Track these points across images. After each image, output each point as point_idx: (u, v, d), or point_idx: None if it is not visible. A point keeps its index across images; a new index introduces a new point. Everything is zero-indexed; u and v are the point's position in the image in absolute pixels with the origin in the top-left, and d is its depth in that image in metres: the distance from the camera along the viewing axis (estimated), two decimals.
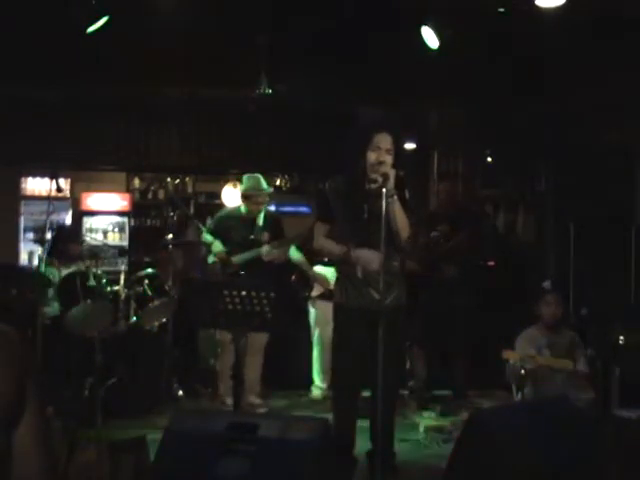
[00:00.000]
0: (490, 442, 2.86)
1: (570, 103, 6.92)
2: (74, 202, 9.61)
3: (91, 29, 5.46)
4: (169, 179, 10.01)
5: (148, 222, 10.00)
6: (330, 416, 4.19)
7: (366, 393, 4.44)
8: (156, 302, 5.92)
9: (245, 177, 5.94)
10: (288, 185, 9.82)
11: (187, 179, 10.06)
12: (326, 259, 6.28)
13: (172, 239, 6.26)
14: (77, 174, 9.45)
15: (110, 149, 8.37)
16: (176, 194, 9.63)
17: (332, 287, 6.23)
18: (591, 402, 4.88)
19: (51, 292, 5.75)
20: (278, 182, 9.66)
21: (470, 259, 6.43)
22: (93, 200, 9.63)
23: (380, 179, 3.98)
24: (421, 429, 5.28)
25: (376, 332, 3.74)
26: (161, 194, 10.08)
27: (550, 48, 5.91)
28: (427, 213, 6.84)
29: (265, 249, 5.71)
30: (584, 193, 7.04)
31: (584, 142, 7.06)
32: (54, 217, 8.38)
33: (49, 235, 6.01)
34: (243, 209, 5.95)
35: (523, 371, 4.59)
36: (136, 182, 10.06)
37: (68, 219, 9.45)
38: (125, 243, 9.58)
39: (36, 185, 9.43)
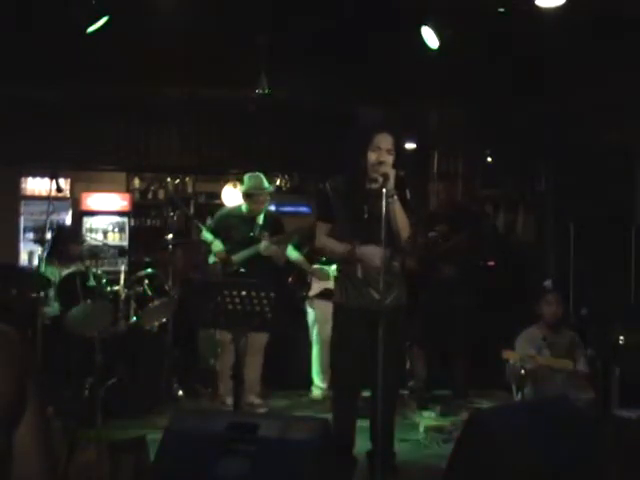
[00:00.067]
0: (490, 442, 2.86)
1: (570, 103, 6.92)
2: (74, 202, 9.60)
3: (91, 29, 5.45)
4: (169, 179, 10.01)
5: (148, 222, 10.00)
6: (330, 416, 4.19)
7: (366, 393, 4.44)
8: (156, 302, 5.92)
9: (247, 176, 5.96)
10: (288, 185, 9.82)
11: (187, 179, 10.06)
12: (324, 258, 6.29)
13: (172, 239, 6.26)
14: (77, 174, 9.45)
15: (110, 149, 8.37)
16: (176, 194, 9.63)
17: (331, 279, 6.28)
18: (591, 402, 4.88)
19: (51, 292, 5.75)
20: (278, 182, 9.66)
21: (470, 259, 6.42)
22: (93, 200, 9.63)
23: (380, 179, 3.98)
24: (421, 429, 5.27)
25: (376, 332, 3.74)
26: (161, 194, 10.08)
27: (550, 48, 5.91)
28: (426, 213, 6.83)
29: (263, 244, 5.72)
30: (584, 193, 7.04)
31: (584, 142, 7.06)
32: (54, 217, 8.39)
33: (49, 235, 6.00)
34: (244, 208, 5.97)
35: (523, 371, 4.59)
36: (136, 182, 10.06)
37: (68, 219, 9.45)
38: (125, 243, 9.57)
39: (36, 185, 9.43)
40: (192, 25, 5.73)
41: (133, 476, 3.62)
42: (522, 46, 5.90)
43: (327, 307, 6.29)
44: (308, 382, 6.49)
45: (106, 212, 9.63)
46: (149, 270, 6.09)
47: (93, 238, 8.50)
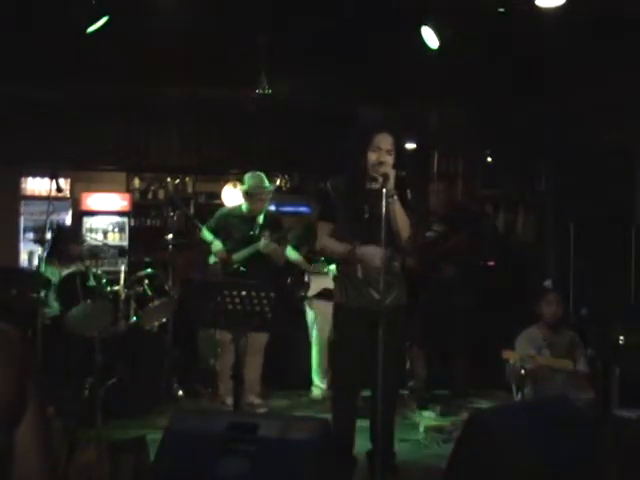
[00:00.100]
0: (490, 442, 2.86)
1: (570, 103, 6.92)
2: (74, 202, 9.60)
3: (91, 29, 5.45)
4: (169, 179, 10.01)
5: (148, 222, 10.00)
6: (330, 416, 4.19)
7: (366, 393, 4.44)
8: (156, 302, 5.92)
9: (247, 175, 5.96)
10: (288, 185, 9.82)
11: (187, 179, 10.06)
12: (323, 258, 6.29)
13: (172, 239, 6.26)
14: (77, 174, 9.45)
15: (110, 149, 8.38)
16: (176, 194, 9.63)
17: (330, 279, 6.28)
18: (591, 402, 4.88)
19: (51, 292, 5.75)
20: (278, 182, 9.66)
21: (470, 259, 6.42)
22: (93, 200, 9.63)
23: (380, 179, 3.98)
24: (421, 429, 5.28)
25: (376, 332, 3.74)
26: (161, 194, 10.08)
27: (550, 48, 5.91)
28: (425, 213, 6.83)
29: (263, 242, 5.73)
30: (584, 193, 7.04)
31: (584, 142, 7.06)
32: (54, 217, 8.39)
33: (49, 235, 6.00)
34: (244, 207, 5.98)
35: (523, 371, 4.59)
36: (136, 182, 10.06)
37: (68, 219, 9.45)
38: (125, 243, 9.58)
39: (36, 185, 9.43)
40: (192, 25, 5.73)
41: (133, 476, 3.62)
42: (522, 46, 5.90)
43: (326, 307, 6.30)
44: (308, 382, 6.49)
45: (106, 212, 9.63)
46: (149, 270, 6.09)
47: (93, 238, 8.51)
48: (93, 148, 8.32)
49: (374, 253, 4.02)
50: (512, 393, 4.88)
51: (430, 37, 5.72)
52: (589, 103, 6.72)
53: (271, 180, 6.34)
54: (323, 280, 6.36)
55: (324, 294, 6.31)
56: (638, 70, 5.94)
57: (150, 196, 10.13)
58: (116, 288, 5.83)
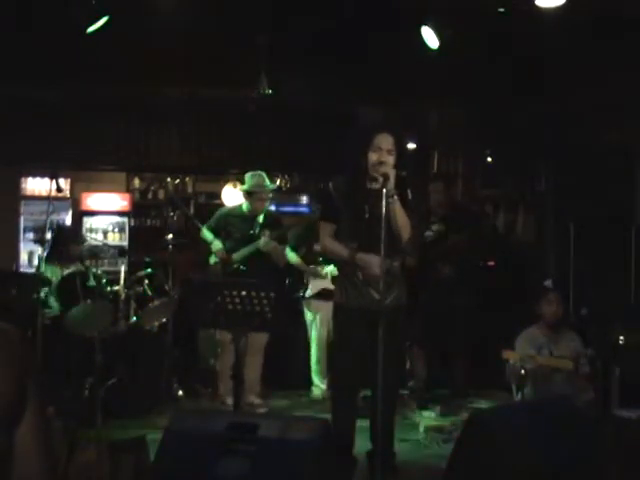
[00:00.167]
0: (490, 442, 2.86)
1: (570, 103, 6.91)
2: (74, 202, 9.60)
3: (91, 29, 5.45)
4: (169, 179, 10.00)
5: (148, 222, 9.99)
6: (330, 416, 4.19)
7: (366, 392, 4.44)
8: (156, 302, 5.93)
9: (248, 175, 5.97)
10: (288, 185, 9.82)
11: (187, 179, 10.05)
12: (321, 259, 6.31)
13: (172, 239, 6.26)
14: (77, 174, 9.44)
15: (110, 149, 8.37)
16: (176, 194, 9.62)
17: (328, 277, 6.29)
18: (591, 402, 4.88)
19: (51, 292, 5.75)
20: (278, 182, 9.65)
21: (470, 259, 6.42)
22: (93, 200, 9.62)
23: (381, 179, 3.98)
24: (421, 429, 5.28)
25: (376, 332, 3.74)
26: (161, 194, 10.07)
27: (550, 48, 5.91)
28: (424, 213, 6.83)
29: (263, 240, 5.74)
30: (584, 193, 7.03)
31: (584, 142, 7.06)
32: (54, 217, 8.38)
33: (49, 235, 6.00)
34: (245, 207, 5.98)
35: (523, 371, 4.59)
36: (136, 182, 10.05)
37: (68, 219, 9.45)
38: (125, 243, 9.57)
39: (36, 185, 9.42)
40: (192, 25, 5.73)
41: (133, 476, 3.62)
42: (522, 46, 5.90)
43: (324, 307, 6.32)
44: (308, 382, 6.49)
45: (106, 212, 9.62)
46: (149, 270, 6.09)
47: (93, 238, 8.50)
48: (93, 148, 8.32)
49: (373, 262, 4.04)
50: (512, 393, 4.88)
51: (430, 37, 5.72)
52: (589, 103, 6.72)
53: (271, 180, 6.35)
54: (321, 282, 6.38)
55: (323, 294, 6.33)
56: (638, 70, 5.94)
57: (150, 196, 10.12)
58: (116, 288, 5.83)
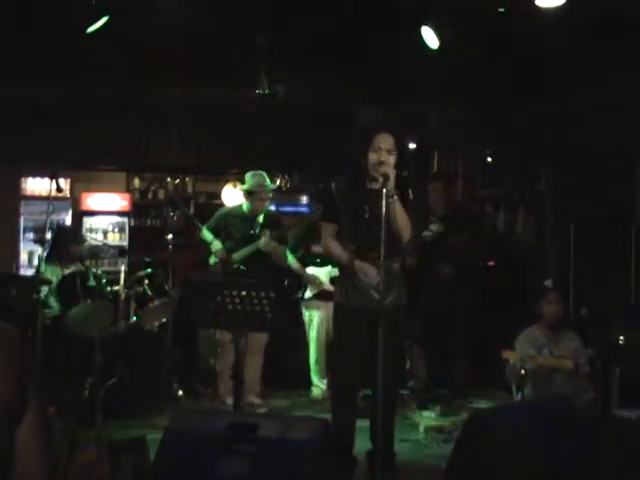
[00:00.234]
0: (490, 442, 2.86)
1: (570, 103, 6.91)
2: (74, 202, 9.59)
3: (91, 29, 5.45)
4: (169, 179, 10.00)
5: (148, 222, 9.99)
6: (330, 416, 4.19)
7: (367, 392, 4.44)
8: (156, 302, 5.92)
9: (249, 174, 5.97)
10: (288, 185, 9.82)
11: (187, 179, 10.05)
12: (319, 260, 6.32)
13: (172, 239, 6.26)
14: (77, 174, 9.44)
15: (110, 149, 8.37)
16: (176, 194, 9.62)
17: (324, 287, 6.31)
18: (591, 402, 4.88)
19: (51, 292, 5.75)
20: (278, 182, 9.65)
21: (470, 259, 6.42)
22: (93, 200, 9.62)
23: (381, 179, 3.98)
24: (421, 429, 5.27)
25: (376, 332, 3.74)
26: (161, 194, 10.07)
27: (550, 48, 5.91)
28: (424, 213, 6.83)
29: (263, 240, 5.74)
30: (584, 193, 7.03)
31: (584, 142, 7.06)
32: (54, 217, 8.38)
33: (49, 235, 6.00)
34: (245, 207, 5.98)
35: (523, 371, 4.59)
36: (136, 182, 10.05)
37: (68, 219, 9.44)
38: (125, 243, 9.57)
39: (36, 185, 9.41)
40: (192, 25, 5.73)
41: (133, 476, 3.62)
42: (522, 46, 5.90)
43: (322, 308, 6.33)
44: (308, 382, 6.49)
45: (106, 212, 9.62)
46: (149, 270, 6.09)
47: (93, 238, 8.51)
48: (93, 148, 8.32)
49: (369, 273, 4.07)
50: (512, 393, 4.88)
51: (430, 37, 5.72)
52: (589, 103, 6.72)
53: (271, 180, 6.35)
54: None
55: (321, 295, 6.34)
56: (638, 70, 5.94)
57: (150, 196, 10.11)
58: (116, 288, 5.83)
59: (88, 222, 9.55)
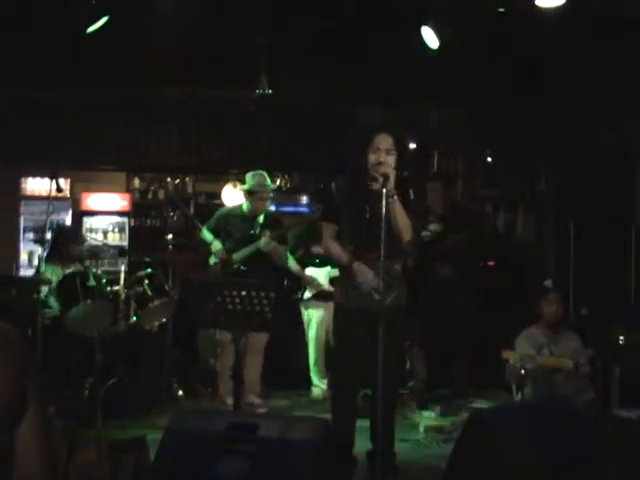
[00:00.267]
0: (490, 442, 2.86)
1: (570, 103, 6.91)
2: (74, 202, 9.59)
3: (91, 29, 5.46)
4: (169, 179, 10.00)
5: (148, 222, 9.98)
6: (330, 416, 4.19)
7: (367, 392, 4.44)
8: (156, 302, 5.92)
9: (250, 174, 5.97)
10: (288, 185, 9.82)
11: (187, 179, 10.05)
12: (317, 260, 6.32)
13: (172, 239, 6.26)
14: (77, 174, 9.44)
15: (110, 149, 8.37)
16: (176, 194, 9.62)
17: (322, 288, 6.31)
18: (591, 402, 4.88)
19: (51, 292, 5.75)
20: (278, 182, 9.65)
21: (469, 259, 6.42)
22: (93, 200, 9.62)
23: (381, 179, 3.98)
24: (421, 429, 5.27)
25: (376, 332, 3.74)
26: (161, 194, 10.06)
27: (550, 48, 5.91)
28: (423, 213, 6.82)
29: (264, 240, 5.74)
30: (584, 193, 7.03)
31: (584, 142, 7.06)
32: (54, 217, 8.38)
33: (49, 235, 6.00)
34: (245, 207, 5.98)
35: (523, 371, 4.59)
36: (136, 182, 10.05)
37: (68, 219, 9.44)
38: (125, 243, 9.56)
39: (36, 185, 9.41)
40: (192, 25, 5.73)
41: (133, 476, 3.62)
42: (522, 46, 5.90)
43: (321, 308, 6.33)
44: (308, 382, 6.49)
45: (106, 212, 9.61)
46: (149, 270, 6.09)
47: (93, 238, 8.50)
48: (93, 148, 8.32)
49: (366, 278, 4.07)
50: (512, 393, 4.88)
51: (430, 37, 5.72)
52: (589, 103, 6.72)
53: (272, 180, 6.35)
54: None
55: (320, 295, 6.34)
56: (638, 70, 5.94)
57: (150, 196, 10.11)
58: (116, 288, 5.82)
59: (88, 222, 9.55)
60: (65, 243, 6.13)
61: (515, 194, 8.16)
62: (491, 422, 2.99)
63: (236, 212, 6.07)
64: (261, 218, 5.92)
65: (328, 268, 6.27)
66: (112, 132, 8.31)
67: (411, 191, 4.27)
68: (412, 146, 7.89)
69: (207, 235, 5.96)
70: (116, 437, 3.91)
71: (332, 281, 6.09)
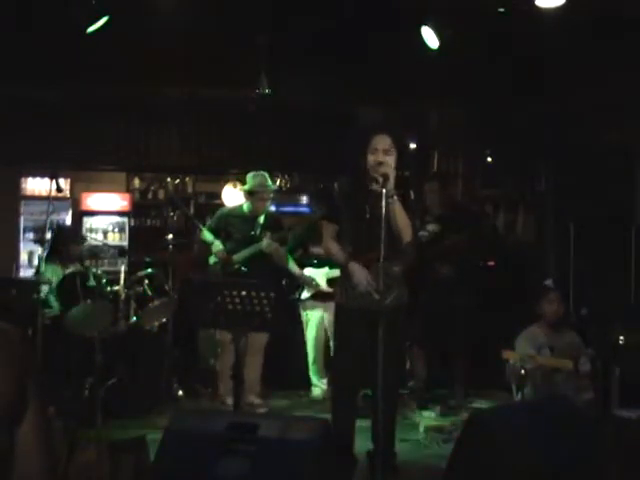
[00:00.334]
0: (490, 442, 2.86)
1: (570, 103, 6.91)
2: (74, 202, 9.59)
3: (91, 29, 5.46)
4: (169, 179, 10.00)
5: (148, 222, 9.99)
6: (330, 416, 4.19)
7: (367, 392, 4.44)
8: (156, 302, 5.92)
9: (250, 175, 5.96)
10: (288, 185, 9.82)
11: (187, 179, 10.05)
12: (316, 261, 6.32)
13: (172, 239, 6.26)
14: (77, 174, 9.44)
15: (110, 149, 8.37)
16: (176, 194, 9.62)
17: (320, 289, 6.30)
18: (591, 402, 4.88)
19: (51, 292, 5.75)
20: (278, 182, 9.65)
21: (469, 259, 6.41)
22: (93, 200, 9.62)
23: (380, 180, 3.98)
24: (421, 429, 5.27)
25: (376, 332, 3.74)
26: (161, 194, 10.06)
27: (550, 48, 5.91)
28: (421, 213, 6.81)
29: (265, 242, 5.74)
30: (584, 193, 7.03)
31: (584, 142, 7.06)
32: (54, 217, 8.38)
33: (49, 235, 6.00)
34: (246, 207, 5.98)
35: (523, 371, 4.58)
36: (136, 182, 10.05)
37: (68, 219, 9.44)
38: (125, 243, 9.56)
39: (36, 185, 9.41)
40: (192, 25, 5.73)
41: (133, 476, 3.62)
42: (522, 46, 5.90)
43: (319, 308, 6.32)
44: (308, 382, 6.49)
45: (106, 212, 9.62)
46: (149, 270, 6.09)
47: (93, 238, 8.50)
48: (93, 148, 8.32)
49: (360, 278, 4.08)
50: (512, 393, 4.88)
51: (430, 37, 5.72)
52: (589, 103, 6.72)
53: (272, 180, 6.35)
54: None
55: (318, 295, 6.34)
56: (638, 70, 5.94)
57: (150, 196, 10.11)
58: (116, 288, 5.82)
59: (88, 222, 9.55)
60: (65, 243, 6.13)
61: (515, 194, 8.16)
62: (491, 422, 2.99)
63: (236, 212, 6.06)
64: (261, 219, 5.92)
65: (326, 269, 6.26)
66: (112, 132, 8.31)
67: (411, 191, 4.28)
68: (412, 146, 7.90)
69: (207, 236, 5.96)
70: (116, 437, 3.91)
71: (330, 282, 6.09)
